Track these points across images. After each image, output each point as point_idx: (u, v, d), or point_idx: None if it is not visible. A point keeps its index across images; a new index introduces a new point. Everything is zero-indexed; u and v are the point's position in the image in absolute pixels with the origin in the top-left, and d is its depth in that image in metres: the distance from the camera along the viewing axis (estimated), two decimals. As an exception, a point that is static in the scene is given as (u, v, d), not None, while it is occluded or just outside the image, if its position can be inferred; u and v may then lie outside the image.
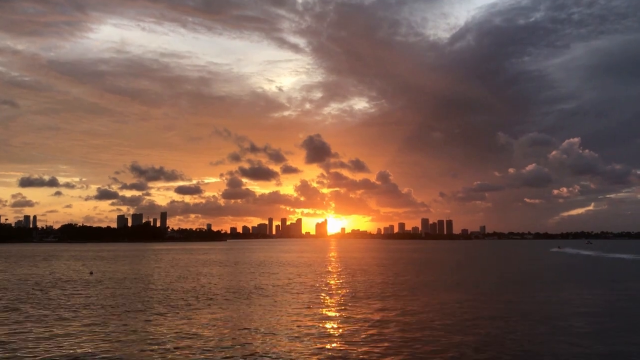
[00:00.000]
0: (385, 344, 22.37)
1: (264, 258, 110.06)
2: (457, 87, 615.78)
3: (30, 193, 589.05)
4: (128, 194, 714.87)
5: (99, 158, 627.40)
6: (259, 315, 30.10)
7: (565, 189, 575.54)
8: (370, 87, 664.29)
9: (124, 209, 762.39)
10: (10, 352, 21.04)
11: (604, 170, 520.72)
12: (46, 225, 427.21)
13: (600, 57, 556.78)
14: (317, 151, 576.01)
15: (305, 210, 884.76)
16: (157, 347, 21.80)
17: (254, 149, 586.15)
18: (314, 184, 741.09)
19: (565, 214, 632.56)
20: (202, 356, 20.29)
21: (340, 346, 22.12)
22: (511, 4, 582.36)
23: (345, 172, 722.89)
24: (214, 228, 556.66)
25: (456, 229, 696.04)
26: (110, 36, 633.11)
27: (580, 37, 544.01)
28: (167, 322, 27.89)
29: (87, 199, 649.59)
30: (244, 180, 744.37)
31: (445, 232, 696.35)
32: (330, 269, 73.67)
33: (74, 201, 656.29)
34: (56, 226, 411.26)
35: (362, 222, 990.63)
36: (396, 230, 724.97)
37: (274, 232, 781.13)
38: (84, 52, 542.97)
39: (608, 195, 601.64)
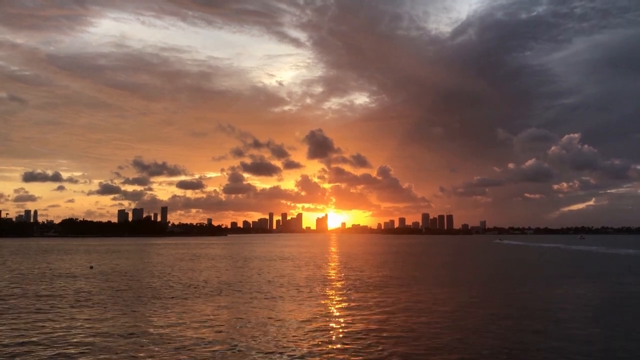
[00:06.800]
0: (384, 336, 22.75)
1: (264, 253, 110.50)
2: (458, 81, 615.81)
3: (32, 188, 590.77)
4: (130, 188, 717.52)
5: (99, 153, 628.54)
6: (257, 308, 30.47)
7: (565, 184, 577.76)
8: (371, 81, 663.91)
9: (126, 203, 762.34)
10: (9, 343, 21.39)
11: (604, 165, 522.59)
12: (47, 220, 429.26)
13: (602, 52, 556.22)
14: (319, 146, 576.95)
15: (306, 205, 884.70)
16: (154, 338, 22.19)
17: (256, 144, 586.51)
18: (315, 179, 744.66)
19: (566, 209, 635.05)
20: (199, 348, 20.66)
21: (337, 341, 22.48)
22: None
23: (346, 167, 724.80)
24: (215, 223, 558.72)
25: (456, 224, 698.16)
26: (109, 30, 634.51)
27: (583, 31, 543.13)
28: (165, 315, 28.27)
29: (89, 193, 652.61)
30: (245, 175, 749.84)
31: (445, 227, 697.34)
32: (329, 264, 74.06)
33: (76, 196, 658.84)
34: (57, 221, 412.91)
35: (362, 217, 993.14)
36: (397, 225, 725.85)
37: (274, 227, 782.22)
38: (83, 46, 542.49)
39: (608, 191, 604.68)
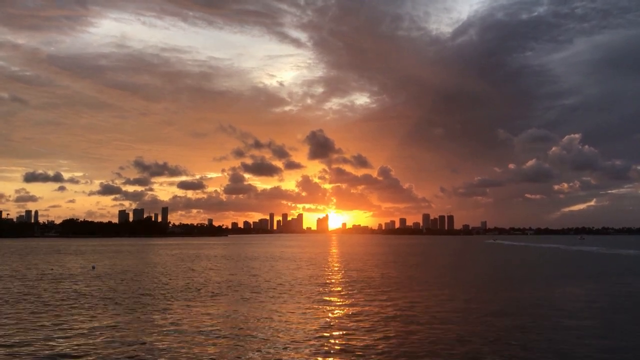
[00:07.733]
0: (385, 338, 22.92)
1: (265, 253, 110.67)
2: (459, 81, 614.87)
3: (33, 188, 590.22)
4: (130, 189, 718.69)
5: (100, 153, 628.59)
6: (258, 309, 30.64)
7: (566, 185, 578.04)
8: (372, 81, 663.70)
9: (127, 204, 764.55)
10: (11, 345, 21.58)
11: (605, 165, 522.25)
12: (48, 220, 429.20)
13: (602, 52, 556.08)
14: (320, 147, 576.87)
15: (307, 206, 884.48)
16: (156, 339, 22.37)
17: (257, 144, 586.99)
18: (316, 180, 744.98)
19: (566, 209, 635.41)
20: (200, 348, 20.83)
21: (339, 341, 22.66)
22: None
23: (346, 168, 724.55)
24: (215, 223, 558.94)
25: (457, 225, 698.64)
26: (110, 31, 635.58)
27: (583, 31, 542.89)
28: (168, 315, 28.46)
29: (90, 194, 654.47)
30: (246, 175, 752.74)
31: (446, 228, 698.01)
32: (330, 264, 74.23)
33: (77, 196, 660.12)
34: (58, 221, 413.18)
35: (363, 218, 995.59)
36: (397, 225, 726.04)
37: (275, 227, 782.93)
38: (84, 47, 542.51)
39: (609, 191, 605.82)
